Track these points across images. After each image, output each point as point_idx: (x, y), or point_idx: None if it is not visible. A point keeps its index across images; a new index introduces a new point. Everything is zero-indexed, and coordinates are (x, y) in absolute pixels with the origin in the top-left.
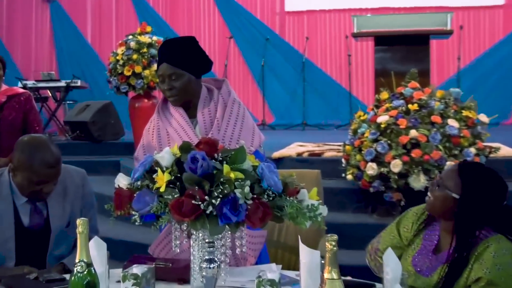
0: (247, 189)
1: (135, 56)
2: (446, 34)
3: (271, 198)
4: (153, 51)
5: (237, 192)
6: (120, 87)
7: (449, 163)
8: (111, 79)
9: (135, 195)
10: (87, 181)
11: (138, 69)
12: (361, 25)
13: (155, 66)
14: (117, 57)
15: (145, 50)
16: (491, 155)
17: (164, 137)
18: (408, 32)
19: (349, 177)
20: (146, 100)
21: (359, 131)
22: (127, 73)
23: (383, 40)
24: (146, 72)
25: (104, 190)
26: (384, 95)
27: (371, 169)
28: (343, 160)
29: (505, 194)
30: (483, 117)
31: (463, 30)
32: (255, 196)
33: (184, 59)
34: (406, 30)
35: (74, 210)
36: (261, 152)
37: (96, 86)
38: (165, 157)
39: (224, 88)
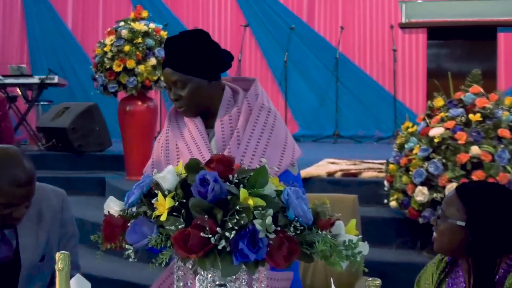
0: (269, 219)
1: (127, 48)
2: None
3: (298, 232)
4: (150, 42)
5: (257, 223)
6: (108, 86)
7: (450, 186)
8: (96, 76)
9: (129, 224)
10: (67, 204)
11: (130, 63)
12: (410, 13)
13: (152, 60)
14: (105, 49)
15: (139, 40)
16: None
17: (172, 152)
18: (470, 23)
19: (393, 204)
20: (140, 103)
21: (406, 146)
22: (116, 68)
23: (438, 33)
24: (141, 67)
25: (86, 214)
26: (439, 101)
27: (421, 194)
28: (385, 183)
29: None
30: None
31: None
32: (279, 228)
33: (188, 61)
34: (467, 21)
35: (51, 240)
36: (293, 172)
37: (77, 84)
38: (167, 177)
39: (251, 90)
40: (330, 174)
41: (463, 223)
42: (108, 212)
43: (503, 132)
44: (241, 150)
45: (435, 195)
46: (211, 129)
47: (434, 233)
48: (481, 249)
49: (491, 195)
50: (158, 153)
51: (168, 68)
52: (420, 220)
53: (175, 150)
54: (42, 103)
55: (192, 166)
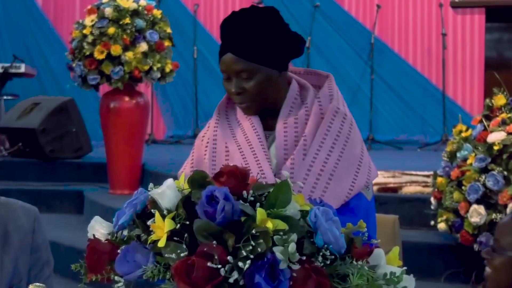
0: (292, 246)
1: (111, 30)
2: None
3: (328, 262)
4: (140, 23)
5: (277, 251)
6: (88, 77)
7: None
8: (73, 65)
9: (119, 251)
10: (40, 225)
11: (116, 49)
12: None
13: (142, 46)
14: (84, 31)
15: (127, 20)
16: None
17: (221, 154)
18: None
19: (442, 226)
20: (127, 99)
21: (458, 154)
22: (98, 55)
23: (499, 14)
24: (129, 54)
25: (61, 237)
26: (500, 99)
27: (477, 214)
28: (432, 200)
29: None
30: None
31: None
32: (304, 258)
33: (258, 46)
34: None
35: (19, 269)
36: (366, 196)
37: (49, 74)
38: (167, 193)
39: (324, 89)
40: None
41: None
42: (93, 235)
43: None
44: (307, 162)
45: (494, 215)
46: (270, 132)
47: (487, 270)
48: None
49: None
50: (201, 152)
51: (230, 54)
52: (475, 247)
53: (224, 153)
54: (5, 97)
55: (197, 180)
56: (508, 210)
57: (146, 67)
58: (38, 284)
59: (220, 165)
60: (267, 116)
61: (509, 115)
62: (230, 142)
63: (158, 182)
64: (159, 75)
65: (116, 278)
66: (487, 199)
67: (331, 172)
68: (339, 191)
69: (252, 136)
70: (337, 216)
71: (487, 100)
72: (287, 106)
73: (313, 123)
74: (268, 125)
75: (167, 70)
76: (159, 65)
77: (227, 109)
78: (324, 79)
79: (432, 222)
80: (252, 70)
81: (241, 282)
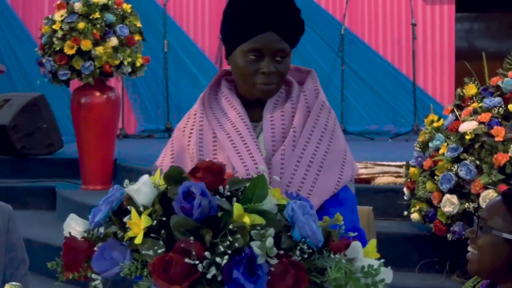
0: (270, 241)
1: (81, 25)
2: None
3: (306, 256)
4: (110, 18)
5: (255, 246)
6: (58, 73)
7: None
8: (43, 60)
9: (95, 248)
10: (14, 223)
11: (86, 44)
12: None
13: (112, 41)
14: (54, 26)
15: (97, 15)
16: None
17: (208, 144)
18: None
19: (415, 216)
20: (98, 94)
21: (430, 144)
22: (69, 51)
23: (469, 3)
24: (99, 49)
25: (34, 233)
26: (471, 89)
27: (450, 204)
28: (405, 190)
29: None
30: None
31: None
32: (282, 252)
33: (299, 29)
34: None
35: None
36: (351, 190)
37: (19, 70)
38: (143, 190)
39: (309, 84)
40: None
41: (510, 236)
42: (69, 233)
43: None
44: (297, 154)
45: (467, 205)
46: (256, 123)
47: (470, 249)
48: None
49: None
50: (184, 143)
51: (272, 32)
52: (449, 237)
53: (212, 143)
54: None
55: (173, 176)
56: (480, 199)
57: (117, 62)
58: (14, 283)
59: (209, 155)
60: (252, 107)
61: (480, 104)
62: (218, 132)
63: (131, 176)
64: (129, 70)
65: (93, 276)
66: (460, 189)
67: (320, 164)
68: (328, 183)
69: (240, 125)
70: (328, 208)
71: (459, 90)
72: (272, 99)
73: (300, 116)
74: (253, 117)
75: (138, 64)
76: (129, 59)
77: (210, 99)
78: (305, 75)
79: (405, 213)
80: (288, 52)
81: (219, 278)
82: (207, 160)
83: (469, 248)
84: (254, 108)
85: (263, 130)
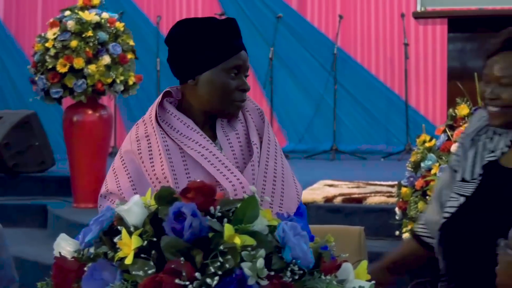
0: (260, 262)
1: (74, 43)
2: None
3: (297, 277)
4: (103, 36)
5: (245, 267)
6: (51, 91)
7: None
8: (36, 78)
9: (86, 268)
10: (3, 241)
11: (78, 63)
12: None
13: (105, 59)
14: (46, 44)
15: (90, 33)
16: None
17: (178, 164)
18: (501, 11)
19: (407, 236)
20: (90, 112)
21: (422, 164)
22: (61, 69)
23: (461, 24)
24: (91, 67)
25: (25, 252)
26: (463, 109)
27: None
28: (397, 210)
29: None
30: None
31: None
32: (272, 273)
33: None
34: (496, 9)
35: None
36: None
37: (11, 88)
38: (133, 210)
39: (249, 104)
40: (328, 199)
41: None
42: (59, 253)
43: None
44: (262, 169)
45: None
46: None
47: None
48: None
49: None
50: (140, 168)
51: (244, 51)
52: None
53: (181, 163)
54: None
55: (164, 196)
56: None
57: (109, 80)
58: None
59: (182, 175)
60: (202, 127)
61: None
62: (189, 151)
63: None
64: (122, 88)
65: None
66: None
67: (282, 178)
68: (292, 196)
69: (208, 145)
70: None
71: (451, 110)
72: (219, 119)
73: (254, 133)
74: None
75: (130, 82)
76: (122, 77)
77: (163, 114)
78: None
79: (397, 232)
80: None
81: None
82: (185, 180)
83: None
84: (203, 128)
85: (223, 149)
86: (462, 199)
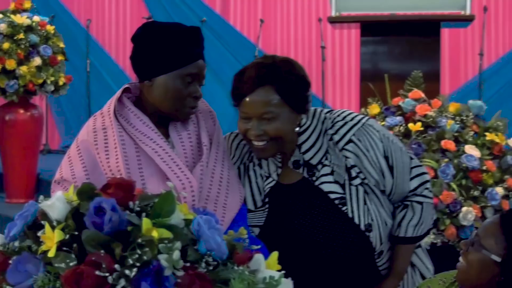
0: (176, 254)
1: (6, 45)
2: (464, 20)
3: (211, 268)
4: (34, 38)
5: (162, 258)
6: None
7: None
8: None
9: (10, 261)
10: None
11: (10, 64)
12: (342, 5)
13: (36, 60)
14: None
15: (21, 36)
16: None
17: (132, 159)
18: (410, 17)
19: None
20: (22, 111)
21: None
22: None
23: (373, 28)
24: (23, 69)
25: None
26: (374, 108)
27: None
28: None
29: None
30: None
31: (487, 14)
32: (188, 264)
33: None
34: (406, 14)
35: None
36: None
37: None
38: (56, 205)
39: (202, 106)
40: None
41: (498, 259)
42: None
43: (447, 144)
44: (210, 170)
45: None
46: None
47: (461, 260)
48: None
49: None
50: (95, 158)
51: (202, 60)
52: None
53: (135, 157)
54: None
55: (86, 192)
56: None
57: (40, 81)
58: None
59: (134, 169)
60: (157, 125)
61: (382, 123)
62: (144, 147)
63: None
64: (52, 88)
65: (8, 287)
66: None
67: (227, 180)
68: (236, 197)
69: (161, 143)
70: (237, 220)
71: (363, 109)
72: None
73: (204, 135)
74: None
75: (61, 83)
76: (52, 78)
77: (121, 110)
78: None
79: None
80: None
81: None
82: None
83: (460, 259)
84: (157, 125)
85: (175, 147)
86: (256, 230)
